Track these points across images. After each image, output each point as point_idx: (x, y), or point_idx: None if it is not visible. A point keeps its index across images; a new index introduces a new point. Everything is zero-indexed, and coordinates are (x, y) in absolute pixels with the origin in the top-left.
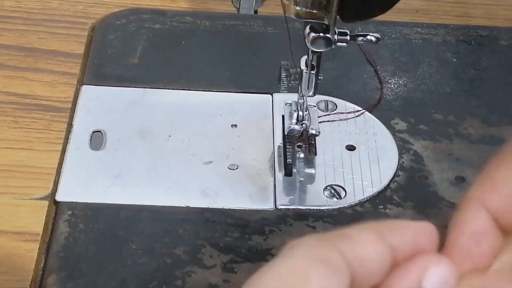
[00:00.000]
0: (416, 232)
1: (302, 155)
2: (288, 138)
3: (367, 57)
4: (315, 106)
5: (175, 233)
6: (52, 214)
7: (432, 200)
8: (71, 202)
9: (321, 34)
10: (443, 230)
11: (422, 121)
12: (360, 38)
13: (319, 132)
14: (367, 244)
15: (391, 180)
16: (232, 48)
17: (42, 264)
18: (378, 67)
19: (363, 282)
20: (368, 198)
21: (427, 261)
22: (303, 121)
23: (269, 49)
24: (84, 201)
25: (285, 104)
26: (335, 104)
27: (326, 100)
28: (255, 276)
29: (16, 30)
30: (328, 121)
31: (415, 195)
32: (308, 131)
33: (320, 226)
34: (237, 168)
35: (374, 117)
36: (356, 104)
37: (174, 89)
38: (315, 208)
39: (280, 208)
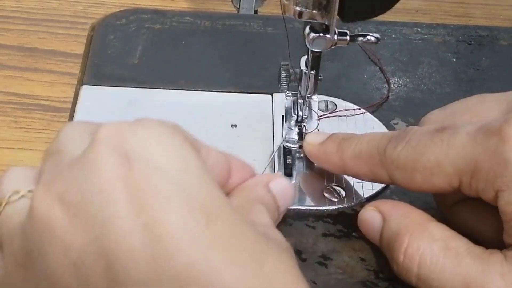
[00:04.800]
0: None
1: (302, 155)
2: (286, 142)
3: (369, 55)
4: (315, 103)
5: None
6: None
7: (431, 201)
8: None
9: (321, 34)
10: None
11: None
12: (360, 38)
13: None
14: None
15: None
16: (232, 48)
17: None
18: (383, 66)
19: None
20: (368, 198)
21: (274, 175)
22: (303, 122)
23: (269, 49)
24: None
25: (286, 97)
26: (335, 104)
27: (326, 100)
28: None
29: (16, 30)
30: (328, 117)
31: (414, 196)
32: (307, 131)
33: (320, 226)
34: None
35: (374, 117)
36: (356, 104)
37: (174, 89)
38: (315, 208)
39: None
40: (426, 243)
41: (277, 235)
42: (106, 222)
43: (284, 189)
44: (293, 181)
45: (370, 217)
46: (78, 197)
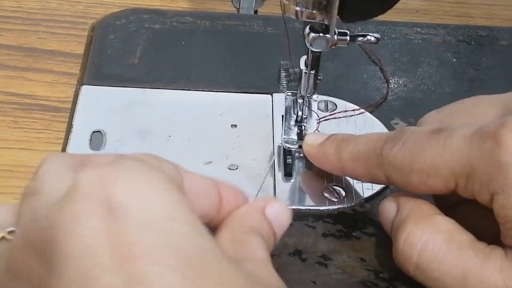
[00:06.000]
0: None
1: (302, 155)
2: (286, 142)
3: (369, 55)
4: (314, 103)
5: None
6: None
7: (432, 201)
8: None
9: (321, 34)
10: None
11: None
12: (360, 38)
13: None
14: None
15: None
16: (232, 48)
17: None
18: (383, 66)
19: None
20: (368, 198)
21: (269, 199)
22: (302, 122)
23: (269, 49)
24: None
25: (286, 97)
26: (335, 104)
27: (326, 100)
28: None
29: (16, 30)
30: (328, 119)
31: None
32: (307, 131)
33: (320, 226)
34: (237, 168)
35: (374, 117)
36: (356, 104)
37: (174, 89)
38: (315, 208)
39: None
40: (430, 233)
41: (271, 277)
42: (87, 277)
43: (280, 214)
44: (293, 181)
45: (387, 206)
46: (58, 250)
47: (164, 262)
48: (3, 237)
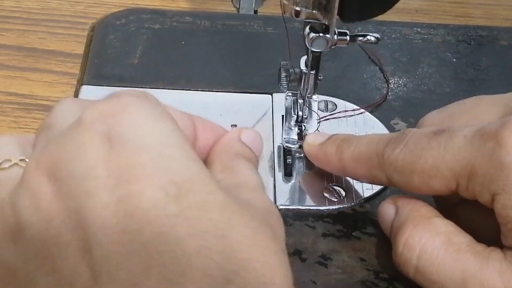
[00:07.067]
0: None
1: (302, 155)
2: (286, 143)
3: (369, 55)
4: (315, 103)
5: None
6: None
7: (431, 200)
8: None
9: (321, 34)
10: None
11: None
12: (360, 38)
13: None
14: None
15: None
16: (232, 48)
17: None
18: (383, 66)
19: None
20: (368, 198)
21: (241, 128)
22: (302, 122)
23: (269, 49)
24: None
25: (286, 97)
26: (335, 104)
27: (326, 100)
28: None
29: (16, 30)
30: (328, 119)
31: (414, 195)
32: (307, 131)
33: (320, 226)
34: None
35: (374, 117)
36: (356, 104)
37: (174, 89)
38: (315, 208)
39: (280, 208)
40: (428, 236)
41: (260, 201)
42: (85, 196)
43: (254, 139)
44: (293, 181)
45: (385, 209)
46: (64, 171)
47: (153, 184)
48: (15, 164)
